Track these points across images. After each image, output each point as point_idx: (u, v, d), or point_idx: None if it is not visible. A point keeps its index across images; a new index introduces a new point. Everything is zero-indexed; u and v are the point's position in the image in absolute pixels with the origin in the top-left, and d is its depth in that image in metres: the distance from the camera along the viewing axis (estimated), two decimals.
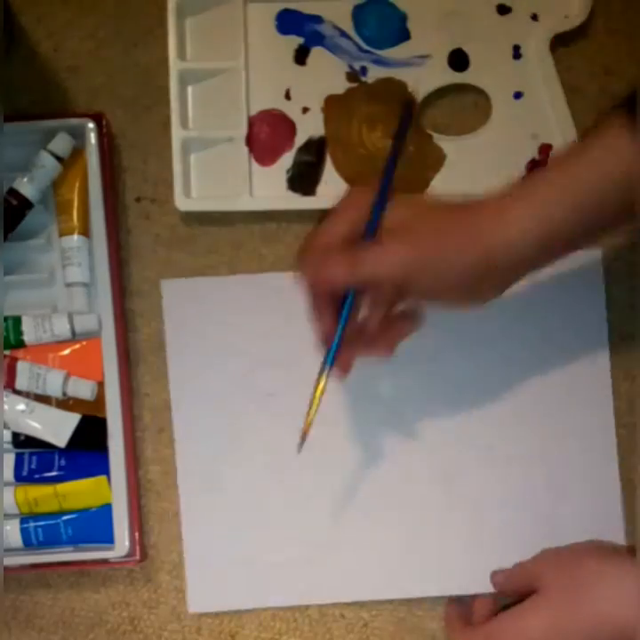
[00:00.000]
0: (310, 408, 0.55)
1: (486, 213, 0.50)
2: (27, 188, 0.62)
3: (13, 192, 0.62)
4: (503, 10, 0.66)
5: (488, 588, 0.62)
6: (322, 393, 0.55)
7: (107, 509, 0.62)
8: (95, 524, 0.62)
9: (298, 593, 0.63)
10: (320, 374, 0.54)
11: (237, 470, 0.64)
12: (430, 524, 0.63)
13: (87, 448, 0.62)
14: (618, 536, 0.63)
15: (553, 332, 0.64)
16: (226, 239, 0.66)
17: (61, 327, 0.62)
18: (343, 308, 0.53)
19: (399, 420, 0.64)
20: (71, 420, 0.62)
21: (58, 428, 0.61)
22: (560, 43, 0.66)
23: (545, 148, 0.65)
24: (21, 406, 0.62)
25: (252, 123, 0.65)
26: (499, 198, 0.51)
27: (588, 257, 0.64)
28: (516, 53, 0.66)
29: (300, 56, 0.66)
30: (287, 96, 0.66)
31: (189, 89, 0.66)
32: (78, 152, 0.64)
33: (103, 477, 0.62)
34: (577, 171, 0.50)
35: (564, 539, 0.61)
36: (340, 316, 0.53)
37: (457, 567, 0.63)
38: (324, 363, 0.54)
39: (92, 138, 0.64)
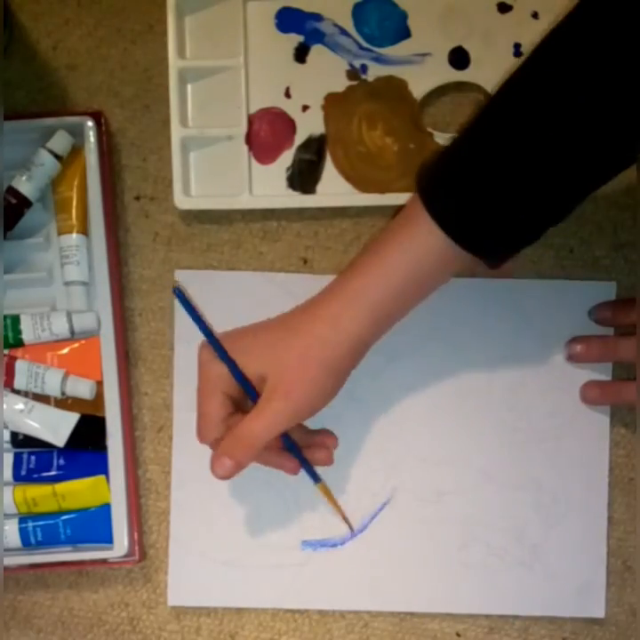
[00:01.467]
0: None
1: (325, 333, 0.56)
2: (25, 186, 0.62)
3: (12, 190, 0.62)
4: (504, 8, 0.66)
5: (478, 608, 0.63)
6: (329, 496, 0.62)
7: (106, 509, 0.61)
8: (94, 524, 0.61)
9: (281, 597, 0.63)
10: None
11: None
12: (418, 540, 0.63)
13: (86, 447, 0.62)
14: (600, 571, 0.63)
15: (561, 361, 0.65)
16: (225, 237, 0.66)
17: (60, 326, 0.62)
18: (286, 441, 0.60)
19: (398, 435, 0.64)
20: (70, 420, 0.62)
21: (57, 427, 0.61)
22: None
23: None
24: (20, 405, 0.61)
25: (251, 121, 0.65)
26: (326, 309, 0.57)
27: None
28: (517, 51, 0.66)
29: (300, 54, 0.66)
30: (287, 94, 0.66)
31: (189, 87, 0.66)
32: (77, 150, 0.64)
33: (102, 477, 0.62)
34: (391, 261, 0.55)
35: (549, 567, 0.63)
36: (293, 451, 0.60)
37: (442, 585, 0.63)
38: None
39: (91, 136, 0.63)
